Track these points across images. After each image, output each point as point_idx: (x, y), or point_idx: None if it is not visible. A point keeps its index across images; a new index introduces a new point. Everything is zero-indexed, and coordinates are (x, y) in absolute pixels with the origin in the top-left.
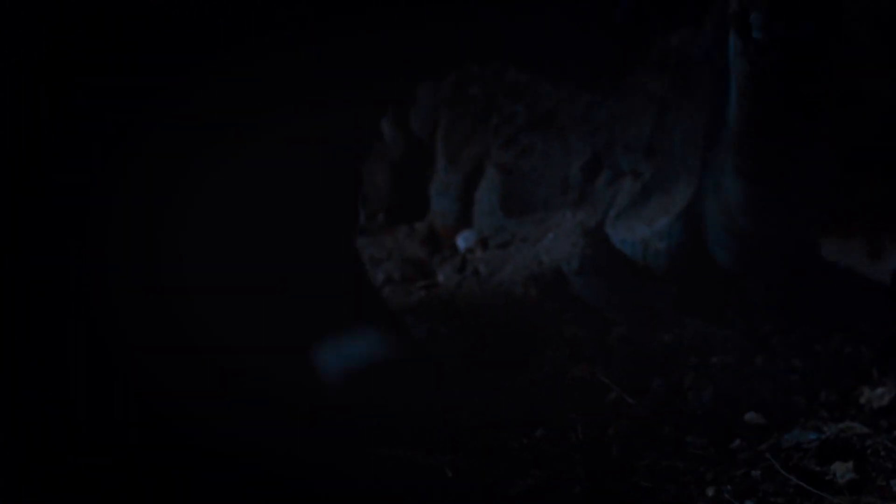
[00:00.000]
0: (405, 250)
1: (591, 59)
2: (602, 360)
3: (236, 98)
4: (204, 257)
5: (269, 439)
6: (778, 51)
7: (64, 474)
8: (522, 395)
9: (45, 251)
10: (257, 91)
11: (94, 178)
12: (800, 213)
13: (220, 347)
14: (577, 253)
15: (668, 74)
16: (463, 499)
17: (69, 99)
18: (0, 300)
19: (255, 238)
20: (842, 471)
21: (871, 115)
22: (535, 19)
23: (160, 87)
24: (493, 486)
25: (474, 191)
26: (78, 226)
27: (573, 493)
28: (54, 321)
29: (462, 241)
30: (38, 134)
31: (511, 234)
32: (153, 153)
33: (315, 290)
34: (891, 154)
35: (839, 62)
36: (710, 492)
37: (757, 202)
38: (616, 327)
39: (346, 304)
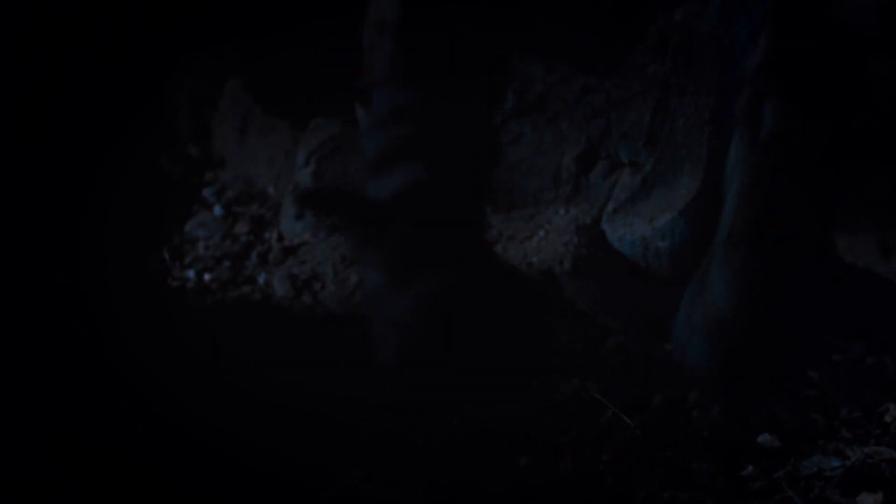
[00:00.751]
0: None
1: (586, 39)
2: (596, 373)
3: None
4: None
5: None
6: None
7: (63, 475)
8: (505, 416)
9: (44, 250)
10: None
11: (93, 177)
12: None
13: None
14: (570, 252)
15: (671, 54)
16: None
17: (69, 97)
18: None
19: None
20: None
21: (877, 109)
22: None
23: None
24: None
25: None
26: (77, 225)
27: None
28: (53, 321)
29: None
30: (37, 133)
31: (497, 232)
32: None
33: None
34: None
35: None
36: None
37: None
38: (612, 336)
39: None
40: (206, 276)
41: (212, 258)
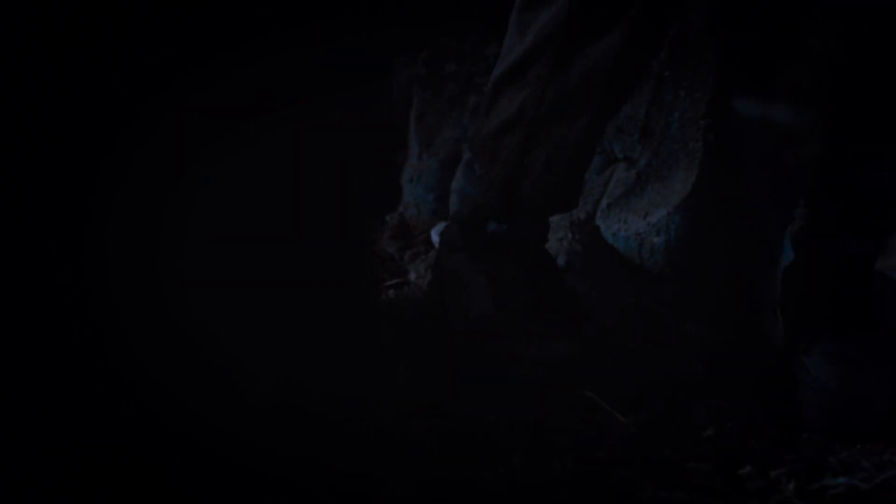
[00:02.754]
0: (373, 245)
1: None
2: (590, 372)
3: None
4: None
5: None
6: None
7: (63, 475)
8: (496, 416)
9: (44, 250)
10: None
11: (94, 177)
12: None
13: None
14: (565, 248)
15: (666, 47)
16: None
17: (68, 97)
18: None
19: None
20: None
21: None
22: None
23: (160, 86)
24: None
25: (451, 179)
26: (78, 225)
27: None
28: (53, 321)
29: (437, 234)
30: (37, 132)
31: None
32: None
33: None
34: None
35: None
36: None
37: None
38: (608, 333)
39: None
40: None
41: None
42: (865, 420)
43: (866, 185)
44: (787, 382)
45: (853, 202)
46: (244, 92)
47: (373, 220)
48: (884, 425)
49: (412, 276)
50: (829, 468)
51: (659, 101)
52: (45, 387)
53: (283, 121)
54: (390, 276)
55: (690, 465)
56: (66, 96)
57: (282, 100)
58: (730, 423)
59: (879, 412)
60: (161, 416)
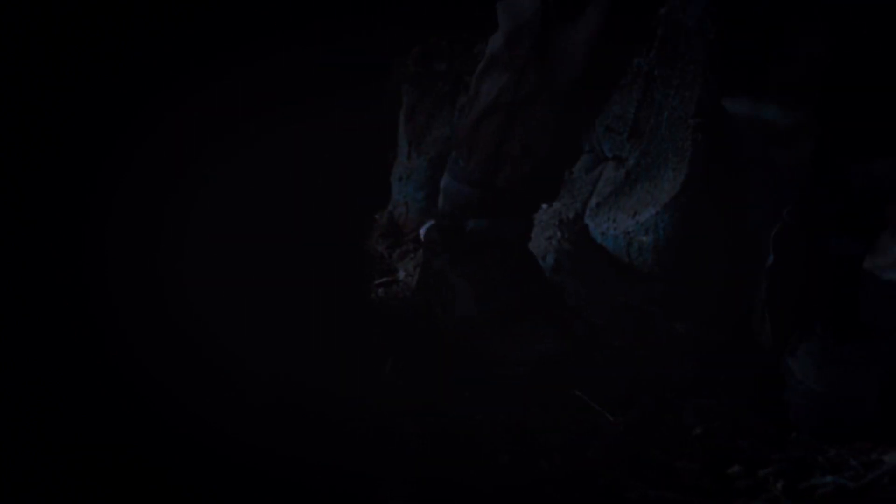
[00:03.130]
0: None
1: None
2: (579, 371)
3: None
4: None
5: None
6: None
7: (63, 475)
8: (487, 416)
9: (44, 250)
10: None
11: (94, 177)
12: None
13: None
14: (554, 247)
15: (655, 46)
16: None
17: (69, 97)
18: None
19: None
20: None
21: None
22: None
23: (160, 86)
24: None
25: (440, 178)
26: (78, 225)
27: None
28: (53, 321)
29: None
30: (38, 132)
31: None
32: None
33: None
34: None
35: None
36: None
37: None
38: (598, 333)
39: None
40: None
41: None
42: (853, 420)
43: (860, 179)
44: (776, 382)
45: (848, 200)
46: (244, 92)
47: (365, 218)
48: (872, 425)
49: (401, 274)
50: (817, 467)
51: (648, 100)
52: (46, 387)
53: (283, 121)
54: (380, 274)
55: (679, 465)
56: (66, 96)
57: (282, 100)
58: (719, 422)
59: (867, 412)
60: (161, 416)
